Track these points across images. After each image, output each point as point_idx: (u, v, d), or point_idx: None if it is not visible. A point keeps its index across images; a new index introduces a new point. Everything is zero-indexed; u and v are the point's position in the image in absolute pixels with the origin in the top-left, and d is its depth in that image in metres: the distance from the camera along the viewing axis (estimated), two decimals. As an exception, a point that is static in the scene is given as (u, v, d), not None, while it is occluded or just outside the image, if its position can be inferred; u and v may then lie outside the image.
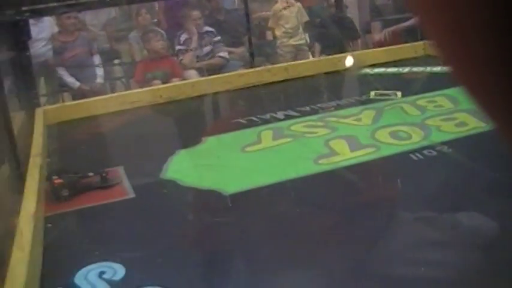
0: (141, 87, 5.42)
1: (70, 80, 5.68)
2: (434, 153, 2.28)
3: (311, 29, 6.82)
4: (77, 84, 5.67)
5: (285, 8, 6.23)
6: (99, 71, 5.93)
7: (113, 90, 6.13)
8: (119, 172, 2.34)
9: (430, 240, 1.71)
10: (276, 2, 6.44)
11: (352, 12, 7.20)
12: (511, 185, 1.98)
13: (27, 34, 3.41)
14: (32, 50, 3.94)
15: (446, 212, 1.83)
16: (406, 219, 1.83)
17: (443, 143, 2.37)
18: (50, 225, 1.94)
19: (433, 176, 2.16)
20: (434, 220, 1.81)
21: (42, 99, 4.90)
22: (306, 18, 6.41)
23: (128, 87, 6.19)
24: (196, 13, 6.08)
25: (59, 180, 2.15)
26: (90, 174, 2.26)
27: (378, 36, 6.51)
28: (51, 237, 1.86)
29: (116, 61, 6.60)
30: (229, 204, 2.00)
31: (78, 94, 5.52)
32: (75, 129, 3.24)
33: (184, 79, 5.67)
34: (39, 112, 3.29)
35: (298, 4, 6.39)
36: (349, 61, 4.09)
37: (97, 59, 6.01)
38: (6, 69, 3.08)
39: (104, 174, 2.26)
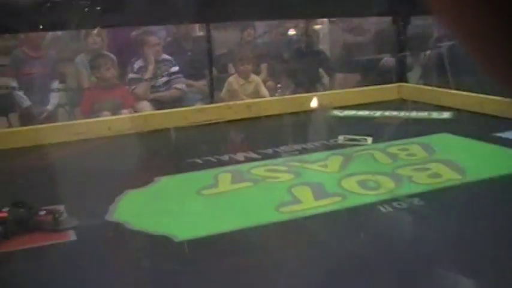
0: (87, 118, 5.42)
1: (21, 95, 5.62)
2: (405, 205, 2.33)
3: (279, 64, 6.90)
4: (27, 103, 5.60)
5: (240, 84, 6.22)
6: (54, 98, 5.87)
7: (54, 119, 6.08)
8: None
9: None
10: (231, 74, 6.40)
11: (324, 47, 7.32)
12: (485, 243, 2.03)
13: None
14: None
15: (414, 271, 1.88)
16: (368, 278, 1.87)
17: (415, 195, 2.43)
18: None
19: (401, 231, 2.21)
20: (399, 279, 1.85)
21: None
22: (264, 93, 6.37)
23: (72, 117, 6.16)
24: (154, 39, 6.07)
25: (3, 214, 2.13)
26: (42, 213, 2.22)
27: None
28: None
29: (59, 85, 6.53)
30: (180, 252, 2.02)
31: (23, 116, 5.47)
32: (12, 159, 3.22)
33: (136, 111, 5.69)
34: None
35: (256, 79, 6.36)
36: (316, 102, 4.16)
37: (55, 85, 5.96)
38: None
39: (56, 215, 2.22)
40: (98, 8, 3.14)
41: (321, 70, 6.78)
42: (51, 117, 5.79)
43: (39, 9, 3.09)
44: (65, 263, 2.02)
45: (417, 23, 5.50)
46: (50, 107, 5.81)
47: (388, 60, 6.50)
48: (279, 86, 7.05)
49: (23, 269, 1.97)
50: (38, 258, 2.02)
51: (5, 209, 2.17)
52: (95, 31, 5.97)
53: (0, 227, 2.11)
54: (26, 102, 5.62)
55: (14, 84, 5.67)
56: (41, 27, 3.85)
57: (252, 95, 6.10)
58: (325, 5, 3.77)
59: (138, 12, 3.28)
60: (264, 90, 6.31)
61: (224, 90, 6.14)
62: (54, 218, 2.22)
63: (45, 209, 2.26)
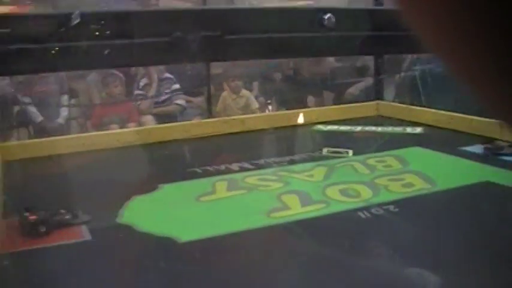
0: (98, 130, 5.46)
1: (34, 111, 5.66)
2: (382, 211, 2.37)
3: (269, 84, 6.96)
4: (40, 118, 5.64)
5: (232, 99, 6.30)
6: (63, 111, 5.91)
7: (68, 131, 6.13)
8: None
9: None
10: (225, 90, 6.49)
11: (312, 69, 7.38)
12: (453, 246, 2.08)
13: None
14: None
15: (391, 269, 1.92)
16: (351, 275, 1.91)
17: (390, 203, 2.47)
18: (6, 263, 1.96)
19: (379, 234, 2.25)
20: (379, 276, 1.89)
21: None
22: (255, 105, 6.47)
23: (84, 129, 6.20)
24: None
25: (34, 216, 2.17)
26: (62, 211, 2.28)
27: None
28: (6, 275, 1.88)
29: (72, 100, 6.59)
30: (183, 252, 2.06)
31: (37, 130, 5.50)
32: (32, 167, 3.25)
33: (140, 124, 5.73)
34: (-5, 148, 3.30)
35: (247, 94, 6.45)
36: (302, 117, 4.20)
37: (65, 100, 5.99)
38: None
39: (75, 212, 2.29)
40: (108, 51, 3.20)
41: (307, 89, 6.84)
42: (63, 129, 5.84)
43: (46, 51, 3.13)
44: (82, 258, 2.06)
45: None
46: (60, 120, 5.85)
47: (351, 92, 6.62)
48: (268, 101, 7.11)
49: (51, 263, 2.02)
50: (61, 255, 2.06)
51: (28, 213, 2.21)
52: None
53: (34, 227, 2.16)
54: (38, 117, 5.66)
55: (28, 100, 5.72)
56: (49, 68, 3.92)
57: (244, 108, 6.17)
58: (315, 45, 3.88)
59: (144, 55, 3.37)
60: (254, 103, 6.38)
61: (219, 105, 6.21)
62: (73, 214, 2.29)
63: (64, 209, 2.31)
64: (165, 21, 3.37)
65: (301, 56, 5.68)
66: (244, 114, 6.28)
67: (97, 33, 3.12)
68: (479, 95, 0.34)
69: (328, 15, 3.67)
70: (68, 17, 3.08)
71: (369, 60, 6.57)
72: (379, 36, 4.01)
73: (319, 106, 6.23)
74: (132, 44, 3.28)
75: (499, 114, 0.34)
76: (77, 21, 3.16)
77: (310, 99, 6.97)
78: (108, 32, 3.15)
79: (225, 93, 6.35)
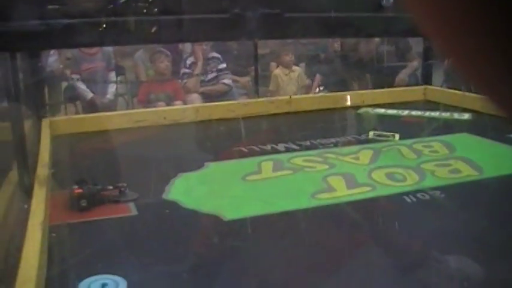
0: (144, 107, 5.51)
1: (84, 88, 5.75)
2: (427, 197, 2.36)
3: (314, 63, 6.93)
4: (90, 95, 5.73)
5: (285, 74, 6.29)
6: (111, 87, 5.99)
7: (114, 107, 6.21)
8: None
9: (416, 281, 1.78)
10: (276, 67, 6.49)
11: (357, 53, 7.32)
12: (499, 235, 2.05)
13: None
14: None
15: (435, 255, 1.90)
16: (394, 260, 1.90)
17: (437, 188, 2.45)
18: (54, 234, 2.00)
19: (425, 219, 2.23)
20: (421, 262, 1.88)
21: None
22: (305, 81, 6.46)
23: (129, 105, 6.27)
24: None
25: (79, 190, 2.21)
26: (110, 187, 2.32)
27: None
28: (55, 246, 1.92)
29: (119, 77, 6.67)
30: (229, 230, 2.07)
31: (87, 106, 5.59)
32: (79, 142, 3.30)
33: (186, 103, 5.77)
34: (45, 123, 3.36)
35: (298, 69, 6.44)
36: (349, 99, 4.18)
37: (112, 76, 6.07)
38: (19, 78, 3.15)
39: (122, 189, 2.33)
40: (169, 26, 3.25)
41: (352, 71, 6.80)
42: (111, 105, 5.91)
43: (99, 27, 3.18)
44: (130, 232, 2.10)
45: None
46: (109, 96, 5.94)
47: (401, 79, 6.56)
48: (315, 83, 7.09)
49: (102, 234, 2.07)
50: (109, 227, 2.10)
51: (77, 186, 2.25)
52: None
53: (80, 201, 2.20)
54: (89, 94, 5.75)
55: (77, 77, 5.81)
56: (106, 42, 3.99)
57: (297, 83, 6.17)
58: (373, 25, 3.88)
59: (202, 30, 3.42)
60: (305, 80, 6.38)
61: (272, 84, 6.22)
62: (120, 191, 2.33)
63: (111, 185, 2.34)
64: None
65: (358, 36, 5.66)
66: (297, 91, 6.31)
67: (155, 9, 3.15)
68: (484, 89, 0.34)
69: None
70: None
71: (413, 44, 6.51)
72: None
73: (363, 89, 6.20)
74: (191, 19, 3.32)
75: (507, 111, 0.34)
76: None
77: (356, 81, 6.93)
78: (165, 8, 3.18)
79: (277, 71, 6.34)
